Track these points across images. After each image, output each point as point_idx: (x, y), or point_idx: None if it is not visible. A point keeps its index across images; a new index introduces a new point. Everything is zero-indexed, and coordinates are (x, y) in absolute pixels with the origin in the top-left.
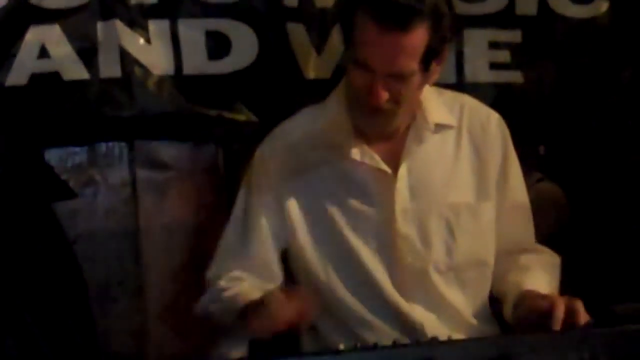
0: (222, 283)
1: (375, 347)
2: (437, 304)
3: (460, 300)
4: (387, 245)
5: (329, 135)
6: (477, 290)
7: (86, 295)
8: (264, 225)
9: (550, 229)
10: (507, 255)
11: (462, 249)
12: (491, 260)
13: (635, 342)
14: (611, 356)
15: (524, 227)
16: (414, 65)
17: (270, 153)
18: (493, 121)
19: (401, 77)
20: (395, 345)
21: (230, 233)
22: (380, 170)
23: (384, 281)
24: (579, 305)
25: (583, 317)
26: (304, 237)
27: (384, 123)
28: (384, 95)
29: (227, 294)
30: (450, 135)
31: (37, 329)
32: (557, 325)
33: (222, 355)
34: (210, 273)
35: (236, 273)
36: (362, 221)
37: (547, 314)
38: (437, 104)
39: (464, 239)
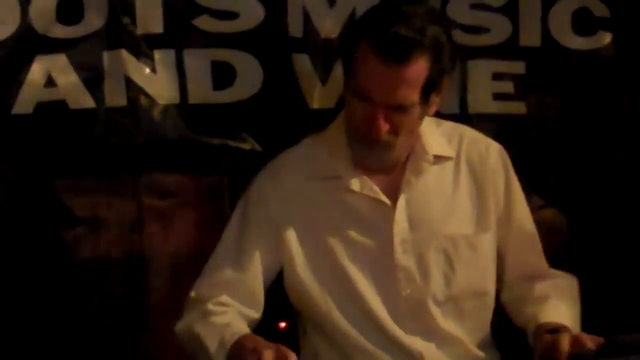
0: (210, 306)
1: None
2: (436, 334)
3: (460, 331)
4: (386, 276)
5: (329, 165)
6: (476, 320)
7: (91, 321)
8: (258, 257)
9: (551, 256)
10: (521, 283)
11: (460, 280)
12: (491, 290)
13: None
14: None
15: (535, 254)
16: (414, 96)
17: (268, 183)
18: (492, 152)
19: (401, 109)
20: None
21: (221, 256)
22: (379, 201)
23: (382, 312)
24: (585, 339)
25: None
26: (303, 268)
27: (382, 154)
28: (384, 127)
29: (216, 319)
30: (449, 166)
31: (41, 351)
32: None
33: None
34: (195, 294)
35: (224, 298)
36: (361, 252)
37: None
38: (435, 135)
39: (463, 270)
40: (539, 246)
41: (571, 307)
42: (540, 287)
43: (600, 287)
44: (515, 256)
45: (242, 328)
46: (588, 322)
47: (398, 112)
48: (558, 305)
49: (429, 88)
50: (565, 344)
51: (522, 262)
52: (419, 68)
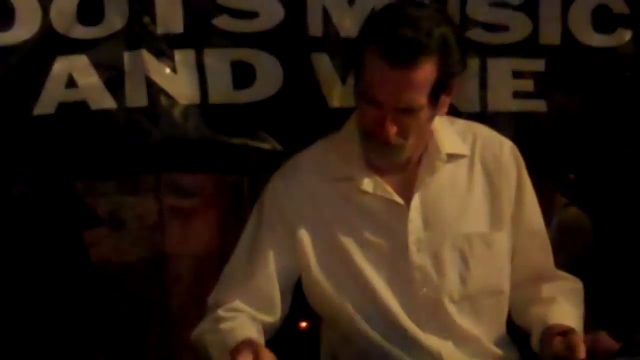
0: (221, 312)
1: None
2: (453, 333)
3: (477, 329)
4: (402, 276)
5: (342, 167)
6: (493, 318)
7: (112, 319)
8: (272, 260)
9: (576, 255)
10: (527, 283)
11: (476, 279)
12: (507, 288)
13: None
14: None
15: (543, 254)
16: (422, 99)
17: (282, 185)
18: (506, 150)
19: (410, 112)
20: None
21: (236, 261)
22: (392, 201)
23: (399, 311)
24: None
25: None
26: (318, 269)
27: (393, 156)
28: (393, 130)
29: (223, 325)
30: (463, 164)
31: (59, 348)
32: None
33: None
34: (211, 299)
35: (236, 304)
36: (376, 252)
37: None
38: (449, 133)
39: (478, 268)
40: (547, 247)
41: (577, 309)
42: (547, 288)
43: (626, 286)
44: (523, 256)
45: (246, 334)
46: (613, 320)
47: (406, 114)
48: (565, 307)
49: (438, 90)
50: (582, 351)
51: (530, 262)
52: (426, 71)
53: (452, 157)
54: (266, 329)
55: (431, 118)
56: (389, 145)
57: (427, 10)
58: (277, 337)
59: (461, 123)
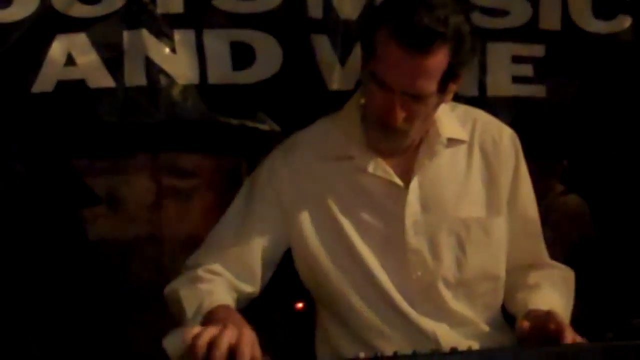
0: (200, 272)
1: (395, 356)
2: (447, 315)
3: (471, 312)
4: (397, 258)
5: (343, 147)
6: (488, 302)
7: (108, 297)
8: (259, 233)
9: (573, 241)
10: (518, 270)
11: (472, 264)
12: (502, 273)
13: None
14: None
15: (535, 243)
16: (432, 86)
17: (281, 162)
18: (505, 136)
19: (419, 98)
20: (415, 355)
21: (222, 229)
22: (392, 183)
23: (394, 293)
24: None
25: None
26: (315, 246)
27: (396, 140)
28: (401, 115)
29: (201, 286)
30: (462, 149)
31: (56, 327)
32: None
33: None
34: (191, 260)
35: (216, 267)
36: (373, 233)
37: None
38: (449, 118)
39: (475, 253)
40: (540, 235)
41: (563, 297)
42: (534, 275)
43: (626, 272)
44: (516, 243)
45: (224, 299)
46: (613, 306)
47: (415, 100)
48: (549, 294)
49: (448, 78)
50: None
51: (521, 249)
52: (439, 59)
53: (451, 142)
54: (242, 298)
55: (438, 105)
56: (394, 130)
57: None
58: (274, 318)
59: (461, 108)
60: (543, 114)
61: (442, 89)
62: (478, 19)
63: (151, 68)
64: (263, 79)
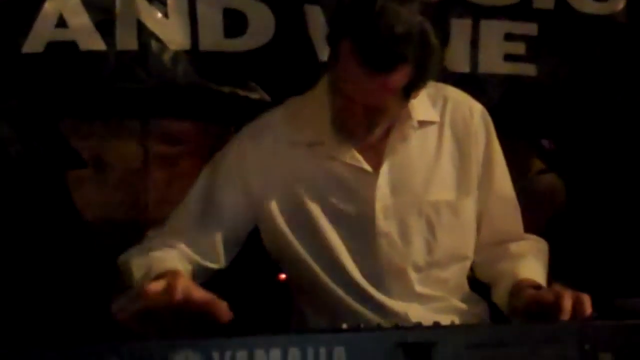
0: (155, 242)
1: (379, 327)
2: (417, 298)
3: (440, 293)
4: (367, 243)
5: (312, 131)
6: (457, 282)
7: (92, 261)
8: (222, 213)
9: (547, 219)
10: (494, 245)
11: (442, 246)
12: (471, 254)
13: (637, 335)
14: (612, 349)
15: (512, 218)
16: (396, 98)
17: (249, 145)
18: (476, 113)
19: (382, 109)
20: (398, 327)
21: (184, 208)
22: (361, 168)
23: (360, 279)
24: (586, 298)
25: (588, 310)
26: (285, 232)
27: (364, 136)
28: (364, 122)
29: (154, 253)
30: (433, 130)
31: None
32: (566, 317)
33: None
34: (151, 232)
35: (174, 241)
36: (342, 218)
37: (552, 305)
38: (420, 99)
39: (445, 236)
40: (517, 212)
41: (543, 268)
42: (515, 246)
43: (596, 250)
44: (492, 221)
45: (175, 265)
46: (586, 283)
47: (377, 110)
48: (534, 264)
49: (413, 88)
50: (568, 302)
51: (498, 226)
52: (403, 74)
53: (422, 123)
54: (202, 270)
55: (403, 106)
56: (358, 131)
57: (411, 4)
58: (256, 288)
59: (432, 86)
60: (532, 92)
61: (406, 97)
62: None
63: (143, 32)
64: (255, 47)
